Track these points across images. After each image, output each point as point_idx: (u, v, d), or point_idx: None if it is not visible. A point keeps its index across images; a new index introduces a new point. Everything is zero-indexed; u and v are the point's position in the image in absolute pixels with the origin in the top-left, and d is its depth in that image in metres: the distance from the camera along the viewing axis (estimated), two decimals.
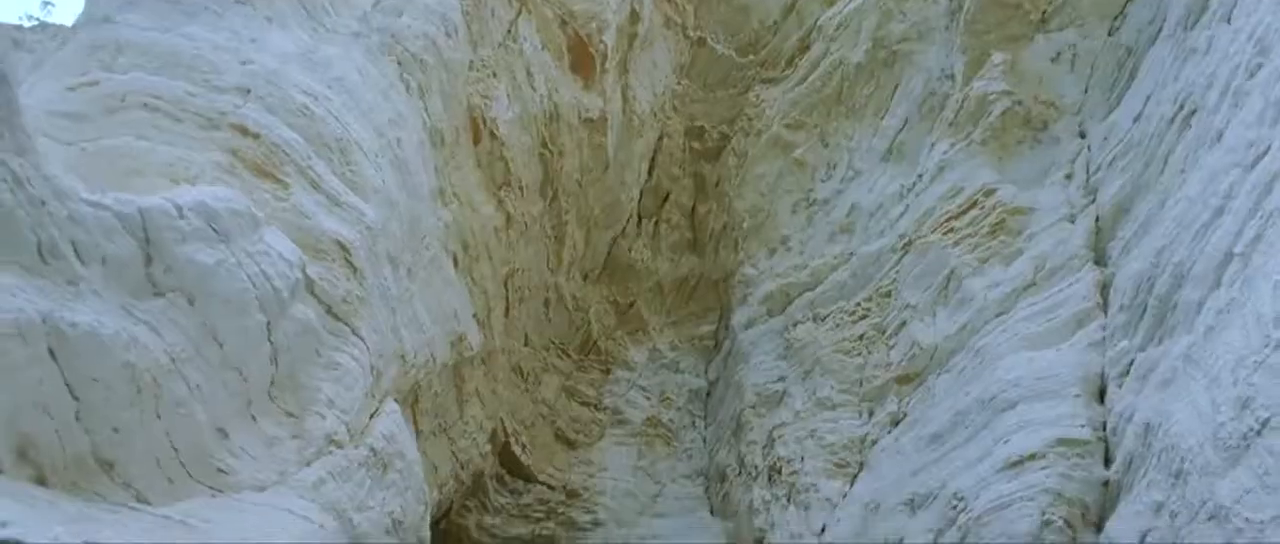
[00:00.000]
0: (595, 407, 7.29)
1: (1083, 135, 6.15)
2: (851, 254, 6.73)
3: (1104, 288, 5.65)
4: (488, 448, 6.07)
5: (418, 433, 5.17)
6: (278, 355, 3.77)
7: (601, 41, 6.57)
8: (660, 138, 7.76)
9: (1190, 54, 5.51)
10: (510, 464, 6.40)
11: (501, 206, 5.88)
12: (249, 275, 3.55)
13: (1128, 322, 5.34)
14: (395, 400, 4.65)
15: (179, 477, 3.32)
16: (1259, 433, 3.68)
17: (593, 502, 6.58)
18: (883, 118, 7.07)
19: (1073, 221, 5.87)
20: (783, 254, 7.17)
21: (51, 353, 2.80)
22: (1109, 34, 6.11)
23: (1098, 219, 5.80)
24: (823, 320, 6.56)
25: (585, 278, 7.07)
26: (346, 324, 4.16)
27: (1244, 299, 4.28)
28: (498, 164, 5.82)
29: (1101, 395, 5.36)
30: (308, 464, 3.67)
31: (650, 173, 7.86)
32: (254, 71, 4.27)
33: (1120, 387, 5.28)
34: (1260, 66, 4.70)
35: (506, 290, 6.17)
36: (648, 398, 7.34)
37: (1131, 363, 5.24)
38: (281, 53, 4.51)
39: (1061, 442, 4.98)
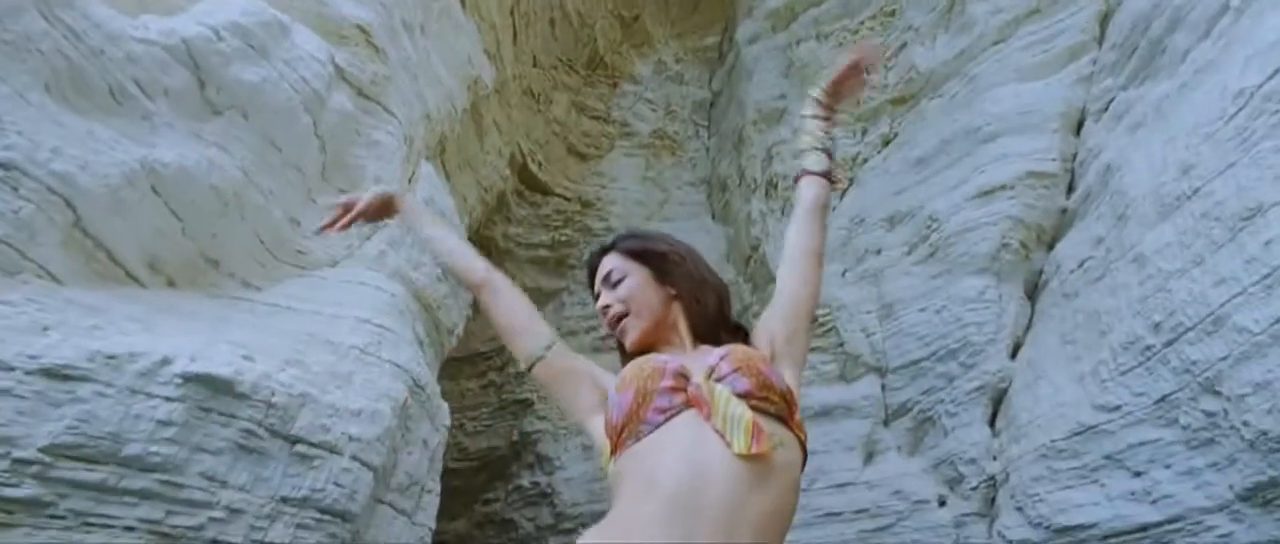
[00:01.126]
0: (604, 120, 7.77)
1: None
2: None
3: (1105, 18, 5.85)
4: (507, 171, 6.77)
5: (447, 175, 5.85)
6: (325, 144, 4.31)
7: None
8: None
9: None
10: (528, 181, 7.14)
11: None
12: (290, 83, 3.94)
13: (1117, 60, 5.65)
14: (425, 158, 5.26)
15: (268, 262, 4.09)
16: (1190, 197, 4.33)
17: (605, 210, 7.45)
18: None
19: None
20: None
21: (154, 189, 3.38)
22: None
23: None
24: (826, 39, 6.77)
25: None
26: (378, 103, 4.61)
27: (1221, 62, 4.61)
28: None
29: (1079, 127, 5.90)
30: (368, 238, 4.43)
31: None
32: None
33: (1097, 122, 5.78)
34: None
35: (513, 19, 6.32)
36: (654, 110, 7.79)
37: (1111, 101, 5.68)
38: None
39: (1031, 174, 5.65)
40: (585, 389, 1.48)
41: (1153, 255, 4.45)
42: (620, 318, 1.51)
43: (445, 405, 4.56)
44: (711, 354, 1.39)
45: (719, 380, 1.31)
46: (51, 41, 3.12)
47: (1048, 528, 4.85)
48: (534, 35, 6.69)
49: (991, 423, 5.62)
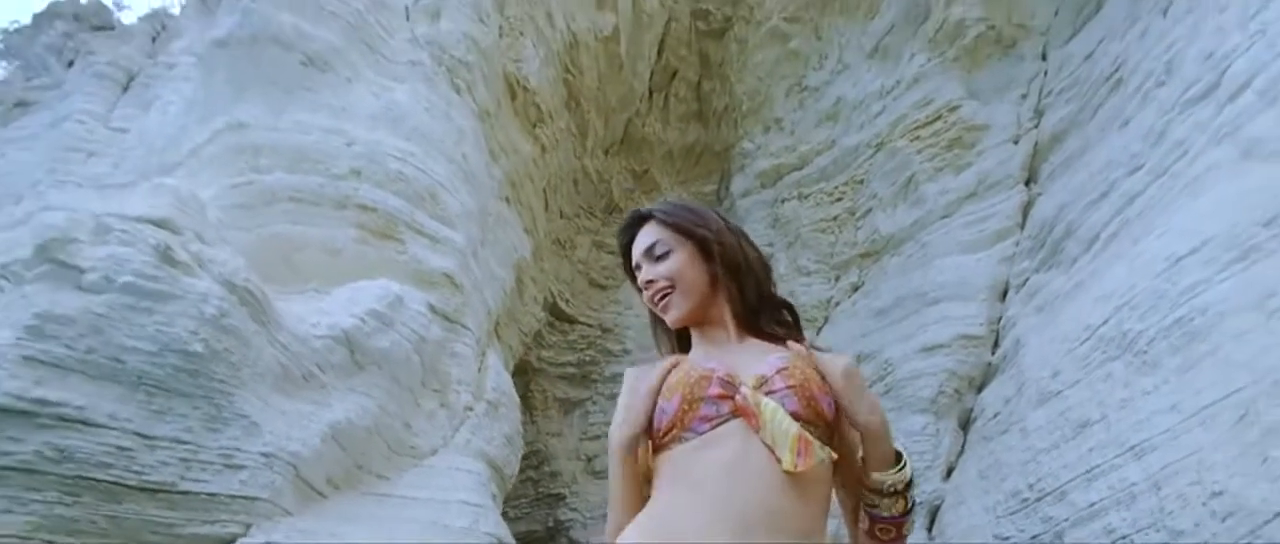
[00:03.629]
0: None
1: (1044, 57, 7.86)
2: (834, 141, 8.72)
3: (1027, 207, 7.93)
4: (541, 311, 8.96)
5: (498, 336, 8.05)
6: (424, 364, 6.50)
7: None
8: (668, 21, 9.10)
9: (1134, 23, 7.01)
10: (557, 314, 9.26)
11: (537, 141, 7.90)
12: (405, 337, 6.13)
13: (1032, 247, 7.71)
14: (485, 345, 7.45)
15: (392, 456, 6.29)
16: (1054, 396, 6.44)
17: (622, 334, 9.60)
18: (872, 19, 8.48)
19: (1016, 143, 7.92)
20: (776, 133, 9.11)
21: (333, 438, 5.58)
22: None
23: (1037, 143, 7.86)
24: (806, 198, 8.83)
25: (606, 153, 9.13)
26: (458, 323, 6.80)
27: (1088, 285, 6.67)
28: (531, 109, 7.69)
29: (1004, 295, 7.98)
30: (457, 429, 6.65)
31: (660, 53, 9.32)
32: (358, 152, 6.30)
33: (1017, 294, 7.84)
34: (1163, 84, 6.44)
35: (545, 196, 8.43)
36: None
37: (1027, 280, 7.74)
38: (370, 116, 6.45)
39: (963, 337, 7.76)
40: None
41: (1032, 431, 6.61)
42: (664, 293, 1.54)
43: (513, 541, 6.81)
44: (764, 360, 1.45)
45: (769, 393, 1.38)
46: (273, 357, 5.30)
47: None
48: (561, 196, 8.78)
49: (930, 529, 7.80)
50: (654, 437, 1.43)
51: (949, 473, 7.84)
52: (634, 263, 1.64)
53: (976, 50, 7.91)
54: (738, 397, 1.39)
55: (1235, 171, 5.32)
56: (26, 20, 9.45)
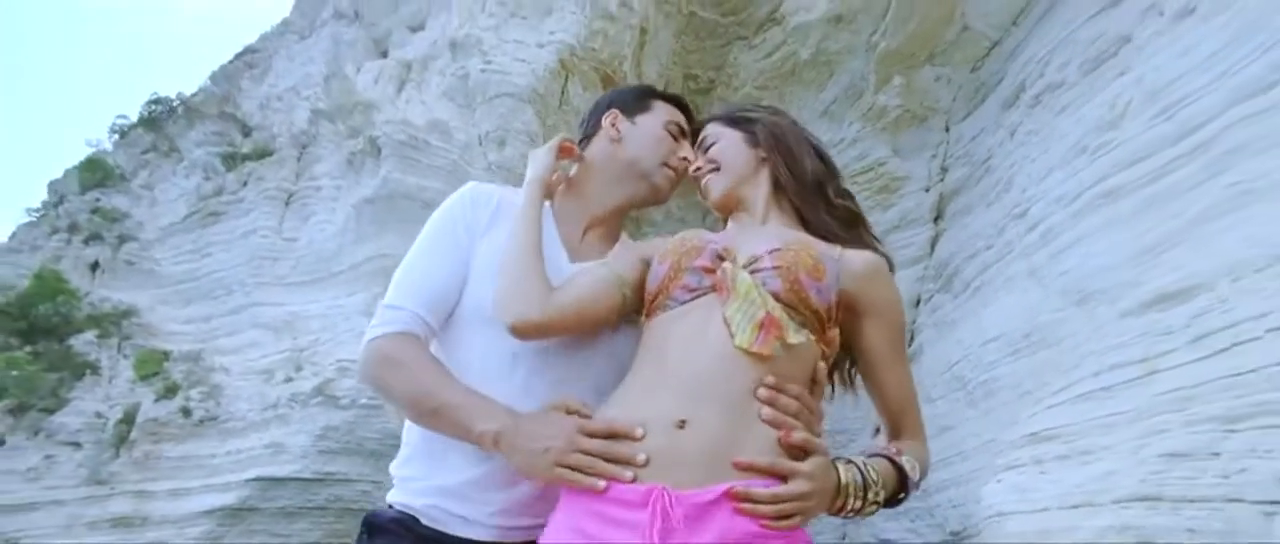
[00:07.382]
0: None
1: (947, 129, 11.66)
2: None
3: (935, 240, 11.93)
4: None
5: None
6: None
7: (622, 69, 11.24)
8: (665, 84, 12.37)
9: (999, 128, 10.71)
10: None
11: None
12: None
13: (937, 273, 11.70)
14: None
15: None
16: (930, 402, 10.80)
17: None
18: (821, 92, 12.02)
19: (928, 192, 11.86)
20: None
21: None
22: (971, 71, 11.15)
23: (941, 194, 11.80)
24: None
25: None
26: None
27: (960, 322, 10.79)
28: None
29: (918, 304, 12.11)
30: None
31: None
32: None
33: (925, 306, 11.93)
34: (1007, 190, 10.28)
35: None
36: None
37: (932, 297, 11.82)
38: None
39: None
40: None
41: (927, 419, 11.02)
42: (708, 173, 1.74)
43: None
44: (766, 240, 1.55)
45: (755, 272, 1.48)
46: None
47: (880, 539, 11.93)
48: None
49: None
50: (646, 303, 1.57)
51: (877, 432, 12.35)
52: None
53: (898, 123, 11.69)
54: (720, 271, 1.49)
55: (1025, 286, 9.47)
56: (163, 93, 13.25)
